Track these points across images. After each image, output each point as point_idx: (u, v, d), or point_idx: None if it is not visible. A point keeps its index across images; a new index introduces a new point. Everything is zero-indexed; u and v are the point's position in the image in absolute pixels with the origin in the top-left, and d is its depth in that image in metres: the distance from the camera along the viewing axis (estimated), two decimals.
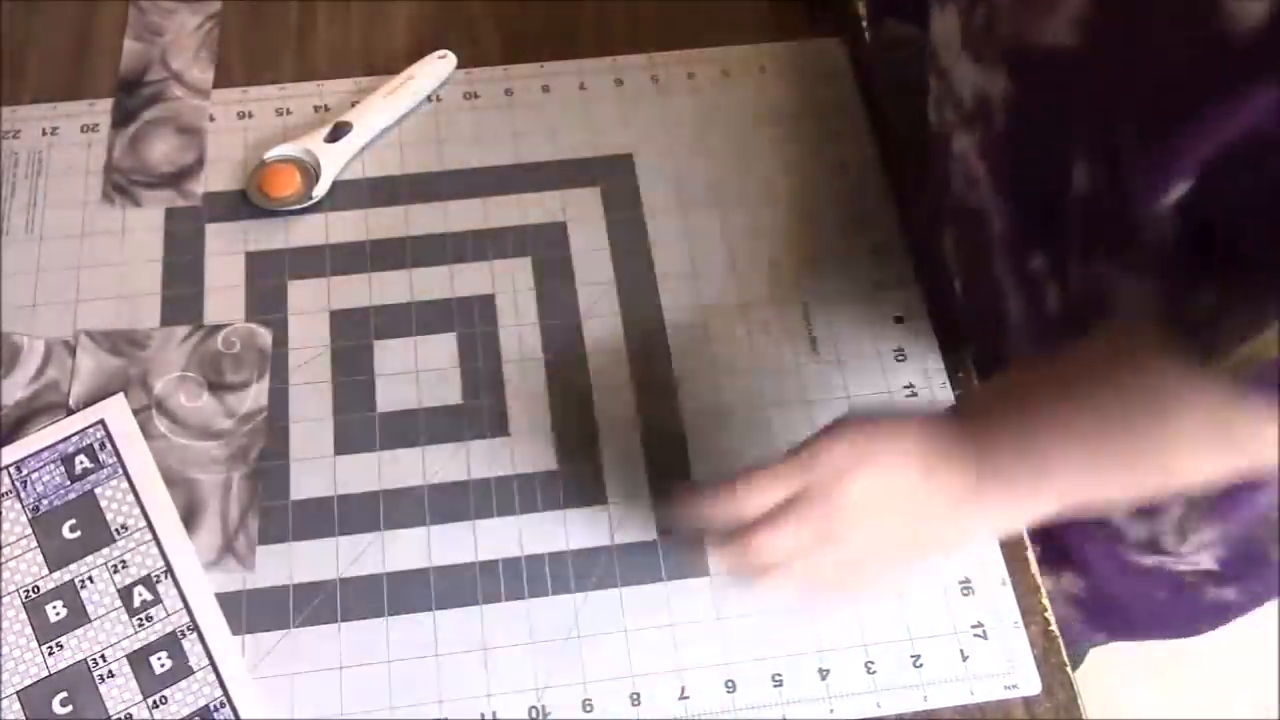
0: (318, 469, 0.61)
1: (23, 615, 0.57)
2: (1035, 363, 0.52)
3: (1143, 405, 0.45)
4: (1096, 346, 0.48)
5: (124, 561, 0.58)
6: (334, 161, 0.70)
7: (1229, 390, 0.42)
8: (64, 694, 0.55)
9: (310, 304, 0.66)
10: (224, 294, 0.66)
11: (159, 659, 0.56)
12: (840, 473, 0.49)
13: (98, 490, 0.60)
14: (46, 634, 0.56)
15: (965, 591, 0.59)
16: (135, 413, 0.62)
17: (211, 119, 0.73)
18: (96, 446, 0.61)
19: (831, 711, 0.56)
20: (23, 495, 0.60)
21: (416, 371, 0.64)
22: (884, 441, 0.51)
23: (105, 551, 0.58)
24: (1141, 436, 0.46)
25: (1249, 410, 0.42)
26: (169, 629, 0.57)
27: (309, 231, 0.69)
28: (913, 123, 0.62)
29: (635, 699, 0.56)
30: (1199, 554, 0.65)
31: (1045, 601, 0.59)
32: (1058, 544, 0.67)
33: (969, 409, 0.55)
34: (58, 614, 0.57)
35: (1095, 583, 0.70)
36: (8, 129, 0.72)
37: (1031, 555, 0.61)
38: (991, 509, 0.50)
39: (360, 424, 0.63)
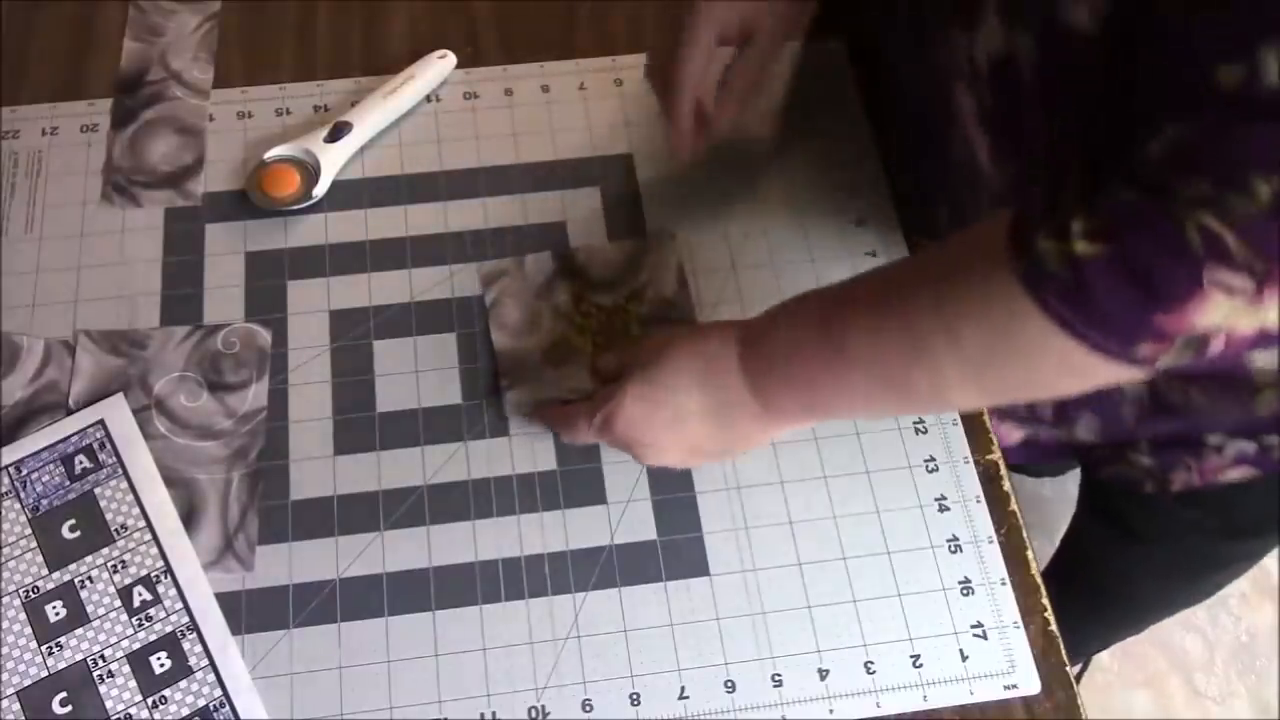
0: (318, 469, 0.61)
1: (23, 615, 0.57)
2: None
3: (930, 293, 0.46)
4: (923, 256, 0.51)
5: (124, 561, 0.58)
6: (334, 161, 0.70)
7: (1017, 298, 0.42)
8: (64, 694, 0.55)
9: (310, 304, 0.66)
10: (224, 294, 0.66)
11: (159, 659, 0.56)
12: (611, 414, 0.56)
13: (97, 490, 0.60)
14: (46, 634, 0.56)
15: (965, 591, 0.59)
16: (135, 413, 0.62)
17: (211, 119, 0.73)
18: (96, 446, 0.61)
19: (831, 711, 0.56)
20: (22, 495, 0.60)
21: (416, 371, 0.64)
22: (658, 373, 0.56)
23: (105, 551, 0.58)
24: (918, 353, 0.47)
25: (1033, 334, 0.42)
26: (169, 629, 0.57)
27: (309, 231, 0.69)
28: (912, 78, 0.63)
29: (635, 699, 0.56)
30: None
31: (1045, 601, 0.59)
32: None
33: (751, 330, 0.55)
34: (57, 614, 0.57)
35: None
36: (8, 129, 0.72)
37: (1031, 556, 0.61)
38: (764, 420, 0.54)
39: (360, 424, 0.63)
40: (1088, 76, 0.48)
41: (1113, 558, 0.86)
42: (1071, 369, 0.43)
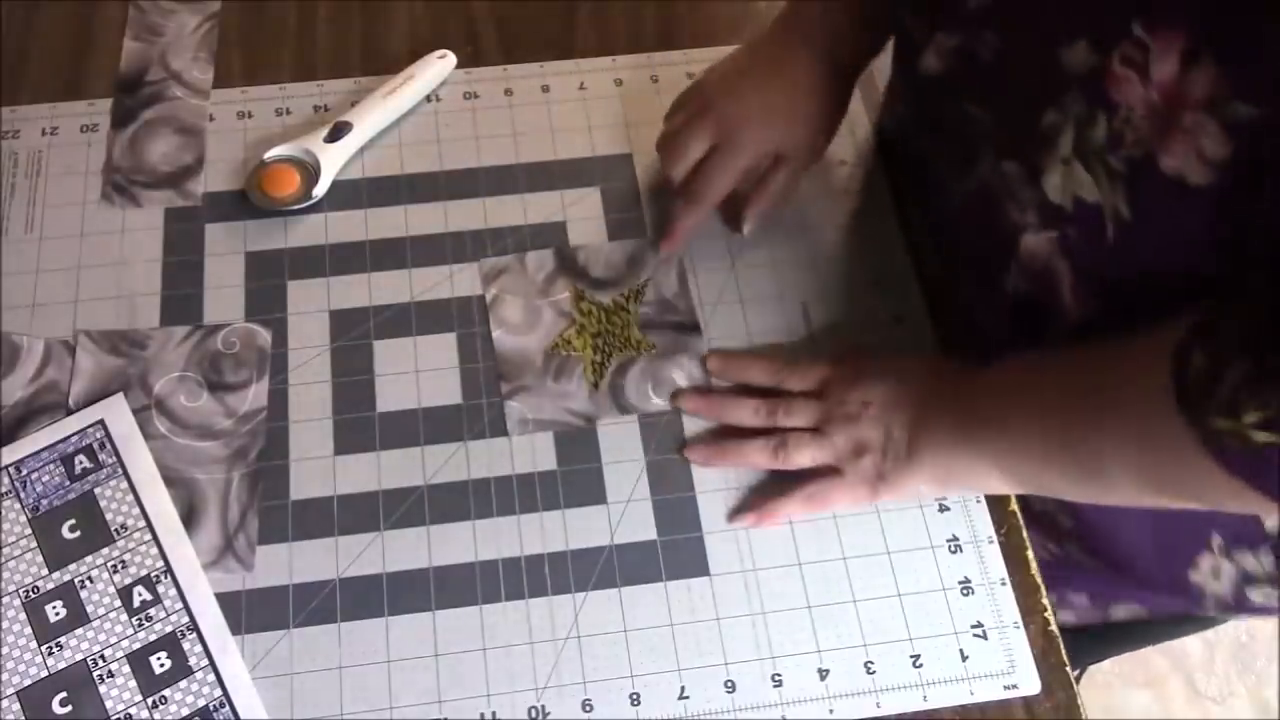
0: (318, 469, 0.61)
1: (23, 615, 0.57)
2: (1054, 352, 0.55)
3: (1114, 420, 0.49)
4: (1107, 354, 0.51)
5: (123, 561, 0.58)
6: (334, 161, 0.70)
7: (1193, 446, 0.44)
8: (64, 694, 0.55)
9: (310, 304, 0.66)
10: (224, 294, 0.66)
11: (159, 659, 0.56)
12: (860, 374, 0.61)
13: (97, 490, 0.60)
14: (46, 634, 0.56)
15: (965, 591, 0.59)
16: (135, 413, 0.62)
17: (211, 119, 0.73)
18: (96, 446, 0.61)
19: (831, 711, 0.56)
20: (22, 495, 0.60)
21: (416, 371, 0.64)
22: (898, 369, 0.61)
23: (105, 551, 0.58)
24: (1089, 453, 0.50)
25: (1203, 472, 0.44)
26: (168, 629, 0.57)
27: (309, 231, 0.69)
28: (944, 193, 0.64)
29: (635, 699, 0.56)
30: None
31: (1045, 601, 0.59)
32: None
33: (979, 372, 0.58)
34: (57, 614, 0.57)
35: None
36: (8, 129, 0.72)
37: (1031, 555, 0.61)
38: (961, 463, 0.57)
39: (360, 424, 0.63)
40: (1189, 233, 0.47)
41: None
42: (1259, 506, 0.45)
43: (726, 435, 0.63)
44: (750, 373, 0.64)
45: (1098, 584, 0.71)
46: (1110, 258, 0.50)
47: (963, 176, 0.60)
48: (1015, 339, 0.59)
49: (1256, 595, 0.63)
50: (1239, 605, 0.64)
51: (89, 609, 0.57)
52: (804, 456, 0.60)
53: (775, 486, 0.61)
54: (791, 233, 0.70)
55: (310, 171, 0.70)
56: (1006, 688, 0.57)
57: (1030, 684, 0.57)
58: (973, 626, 0.58)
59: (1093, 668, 1.34)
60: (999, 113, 0.56)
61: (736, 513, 0.61)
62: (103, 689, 0.55)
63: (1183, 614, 0.72)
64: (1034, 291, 0.57)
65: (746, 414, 0.62)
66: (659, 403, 0.64)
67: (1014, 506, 0.62)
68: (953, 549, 0.60)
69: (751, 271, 0.68)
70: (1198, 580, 0.64)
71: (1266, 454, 0.41)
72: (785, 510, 0.60)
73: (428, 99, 0.74)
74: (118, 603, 0.57)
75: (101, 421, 0.62)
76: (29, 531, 0.59)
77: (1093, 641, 0.95)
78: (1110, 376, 0.50)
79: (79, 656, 0.56)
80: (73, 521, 0.59)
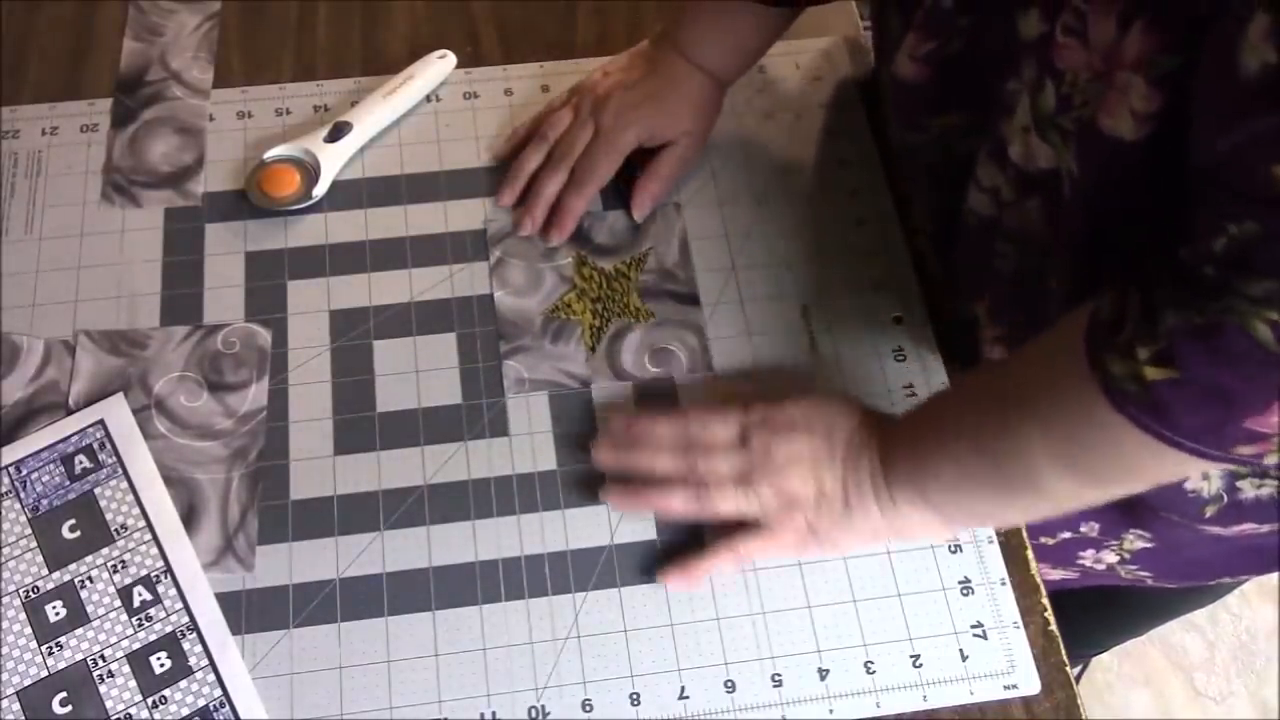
0: (318, 469, 0.61)
1: (23, 615, 0.57)
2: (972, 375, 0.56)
3: (1029, 410, 0.49)
4: (1016, 359, 0.52)
5: (124, 561, 0.58)
6: (334, 161, 0.70)
7: (1103, 407, 0.44)
8: (64, 694, 0.55)
9: (310, 304, 0.66)
10: (224, 294, 0.66)
11: (159, 659, 0.56)
12: (787, 425, 0.58)
13: (97, 490, 0.60)
14: (46, 634, 0.56)
15: (965, 591, 0.59)
16: (135, 413, 0.62)
17: (211, 119, 0.73)
18: (96, 446, 0.61)
19: (831, 711, 0.56)
20: (22, 495, 0.60)
21: (416, 371, 0.64)
22: (825, 416, 0.59)
23: (105, 551, 0.58)
24: (1012, 461, 0.50)
25: (1118, 433, 0.44)
26: (169, 629, 0.57)
27: (309, 231, 0.69)
28: (942, 208, 0.64)
29: (635, 699, 0.56)
30: None
31: (1045, 601, 0.59)
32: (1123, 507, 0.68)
33: (892, 426, 0.58)
34: (57, 614, 0.57)
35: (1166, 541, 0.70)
36: (8, 129, 0.72)
37: (1031, 555, 0.61)
38: (894, 512, 0.57)
39: (360, 424, 0.63)
40: (1129, 185, 0.48)
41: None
42: (1176, 468, 0.45)
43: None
44: (660, 428, 0.60)
45: (1103, 515, 0.70)
46: (1070, 221, 0.51)
47: (955, 169, 0.60)
48: (1013, 327, 0.59)
49: (1246, 486, 0.62)
50: (1232, 503, 0.62)
51: (89, 609, 0.57)
52: (727, 505, 0.58)
53: (693, 544, 0.59)
54: (791, 233, 0.70)
55: (310, 171, 0.70)
56: (1006, 688, 0.57)
57: (1030, 684, 0.57)
58: (973, 626, 0.58)
59: (1093, 668, 1.35)
60: (970, 98, 0.56)
61: (659, 570, 0.59)
62: (103, 689, 0.55)
63: (1190, 587, 0.71)
64: (1023, 272, 0.57)
65: (662, 462, 0.59)
66: (655, 370, 0.64)
67: None
68: (952, 549, 0.60)
69: (751, 271, 0.68)
70: (1192, 487, 0.63)
71: (1157, 392, 0.41)
72: (708, 566, 0.58)
73: (428, 99, 0.74)
74: (118, 603, 0.57)
75: (101, 421, 0.62)
76: (29, 531, 0.59)
77: (1102, 625, 0.95)
78: (1023, 369, 0.51)
79: (79, 656, 0.56)
80: (73, 521, 0.59)
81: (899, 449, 0.56)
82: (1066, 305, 0.55)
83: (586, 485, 0.61)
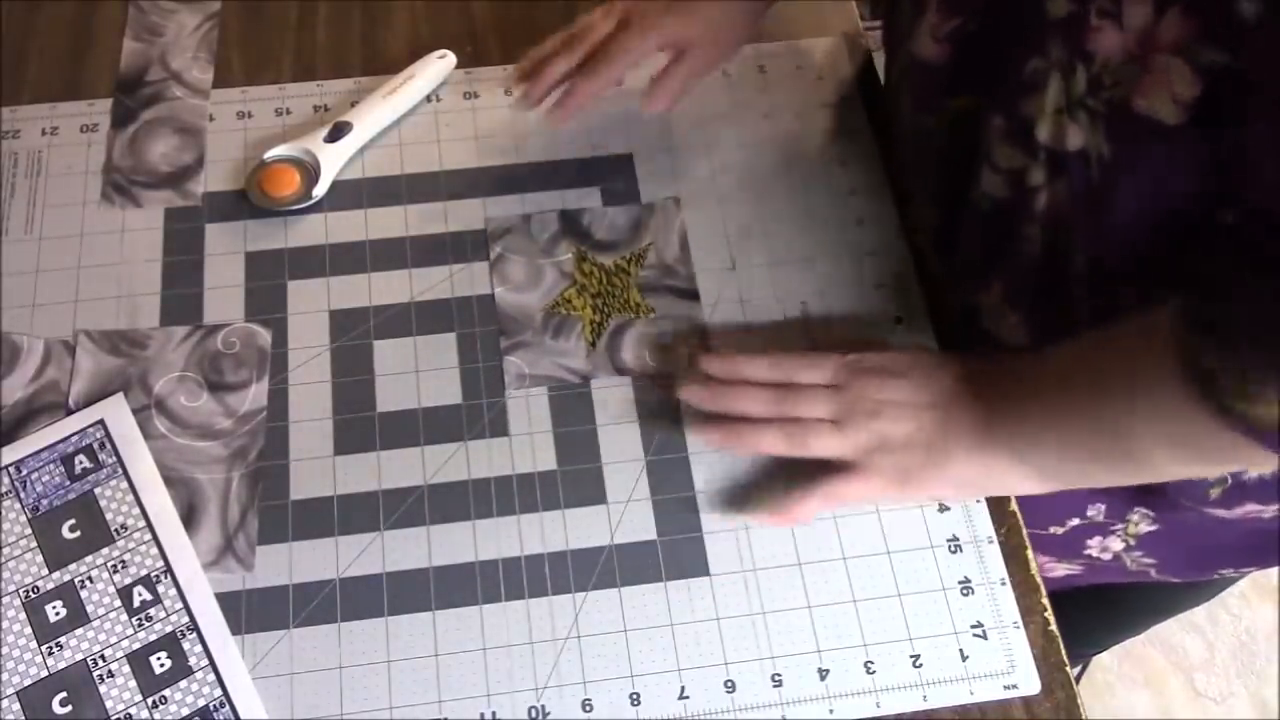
0: (318, 469, 0.61)
1: (23, 615, 0.57)
2: (1062, 345, 0.55)
3: (1126, 402, 0.50)
4: (1116, 340, 0.52)
5: (124, 561, 0.58)
6: (334, 161, 0.70)
7: (1222, 425, 0.45)
8: (64, 694, 0.55)
9: (310, 304, 0.66)
10: (224, 294, 0.66)
11: (159, 659, 0.56)
12: (881, 371, 0.59)
13: (97, 490, 0.60)
14: (46, 634, 0.56)
15: (965, 591, 0.59)
16: (135, 413, 0.62)
17: (211, 119, 0.73)
18: (96, 446, 0.61)
19: (831, 711, 0.56)
20: (22, 495, 0.60)
21: (416, 371, 0.64)
22: (922, 366, 0.60)
23: (105, 551, 0.58)
24: (1118, 436, 0.51)
25: (1238, 442, 0.45)
26: (169, 629, 0.57)
27: (309, 231, 0.69)
28: (953, 193, 0.64)
29: (635, 699, 0.56)
30: None
31: (1045, 601, 0.59)
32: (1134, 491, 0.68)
33: (994, 369, 0.58)
34: (57, 614, 0.57)
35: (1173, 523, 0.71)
36: (8, 129, 0.72)
37: (1031, 555, 0.61)
38: (988, 463, 0.57)
39: (360, 424, 0.63)
40: (1164, 166, 0.48)
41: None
42: None
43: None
44: (754, 368, 0.61)
45: (1111, 496, 0.70)
46: (1099, 203, 0.52)
47: (963, 153, 0.60)
48: (1033, 310, 0.59)
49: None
50: (1236, 483, 0.62)
51: (89, 609, 0.57)
52: (822, 445, 0.58)
53: (783, 485, 0.60)
54: (791, 232, 0.70)
55: (310, 171, 0.70)
56: (1006, 688, 0.57)
57: (1030, 684, 0.57)
58: (973, 626, 0.58)
59: (1093, 668, 1.35)
60: (986, 78, 0.56)
61: (745, 511, 0.60)
62: (103, 689, 0.55)
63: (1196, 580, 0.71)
64: (1049, 254, 0.57)
65: (756, 404, 0.60)
66: (655, 367, 0.65)
67: (1014, 507, 0.62)
68: (953, 549, 0.60)
69: (751, 271, 0.68)
70: None
71: (1263, 419, 0.43)
72: (802, 509, 0.59)
73: (428, 99, 0.74)
74: (118, 603, 0.57)
75: (101, 421, 0.62)
76: (29, 531, 0.59)
77: (1102, 623, 0.95)
78: (1118, 362, 0.51)
79: (79, 656, 0.56)
80: (73, 521, 0.59)
81: (1001, 409, 0.56)
82: (1094, 286, 0.55)
83: (586, 485, 0.61)
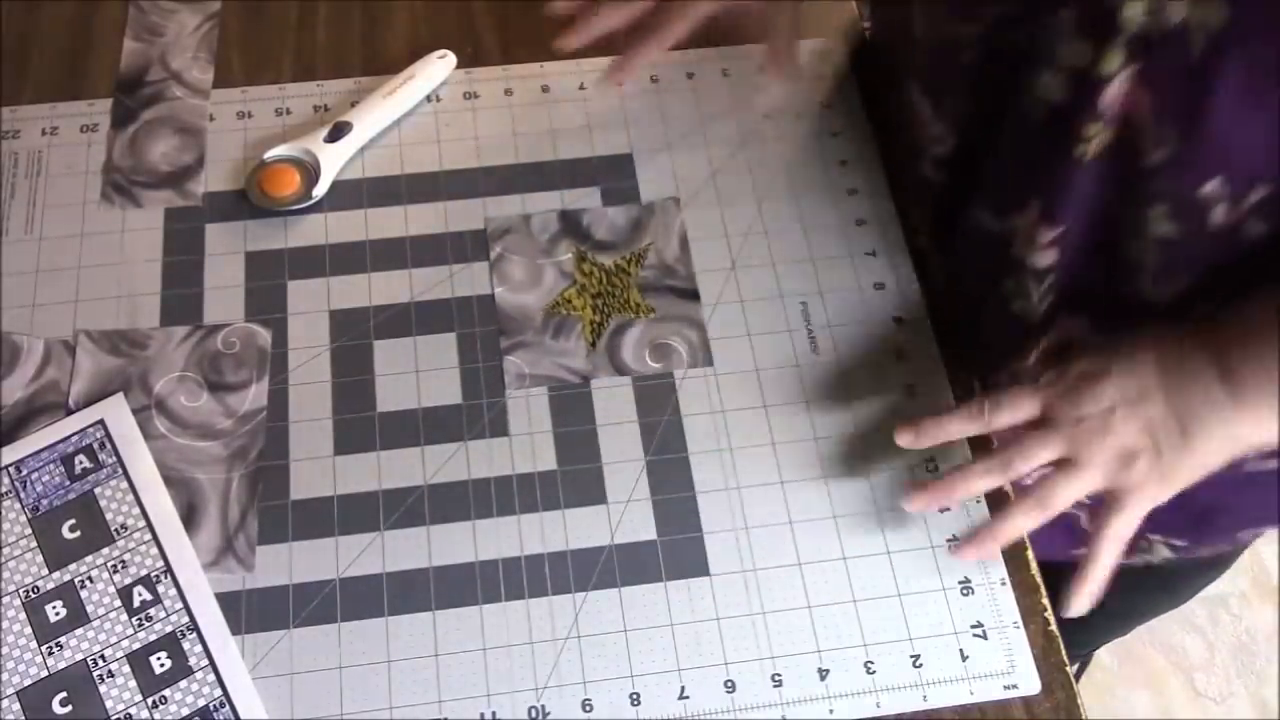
0: (318, 469, 0.61)
1: (23, 615, 0.57)
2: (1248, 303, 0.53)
3: None
4: None
5: (124, 561, 0.58)
6: (334, 161, 0.70)
7: None
8: (64, 694, 0.55)
9: (310, 304, 0.66)
10: (224, 294, 0.66)
11: (159, 659, 0.56)
12: (1084, 380, 0.55)
13: (97, 490, 0.60)
14: (46, 634, 0.56)
15: (965, 591, 0.59)
16: (135, 413, 0.62)
17: (211, 119, 0.73)
18: (96, 446, 0.61)
19: (831, 711, 0.56)
20: (22, 495, 0.60)
21: (416, 371, 0.64)
22: (1118, 358, 0.56)
23: (105, 551, 0.58)
24: None
25: None
26: (169, 629, 0.57)
27: (309, 231, 0.69)
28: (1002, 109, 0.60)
29: (635, 699, 0.56)
30: None
31: (1045, 601, 0.59)
32: None
33: (1183, 340, 0.55)
34: (57, 614, 0.57)
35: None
36: (8, 129, 0.72)
37: (1031, 555, 0.61)
38: (1240, 426, 0.53)
39: (360, 424, 0.63)
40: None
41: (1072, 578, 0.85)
42: None
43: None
44: (949, 430, 0.59)
45: None
46: (1193, 84, 0.48)
47: (1002, 62, 0.57)
48: (1076, 221, 0.57)
49: None
50: None
51: (89, 609, 0.57)
52: (1072, 493, 0.55)
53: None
54: (791, 232, 0.70)
55: (310, 171, 0.70)
56: (1006, 688, 0.57)
57: (1030, 684, 0.57)
58: (973, 626, 0.58)
59: (1093, 668, 1.35)
60: None
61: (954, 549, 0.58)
62: (103, 689, 0.55)
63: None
64: (1110, 161, 0.54)
65: (981, 484, 0.57)
66: (655, 366, 0.65)
67: None
68: (953, 549, 0.60)
69: (751, 271, 0.68)
70: None
71: None
72: (1103, 568, 0.55)
73: (428, 99, 0.74)
74: (118, 603, 0.57)
75: (101, 421, 0.62)
76: (29, 531, 0.59)
77: (1129, 604, 0.93)
78: None
79: (79, 656, 0.56)
80: (73, 521, 0.59)
81: (1233, 367, 0.53)
82: (1171, 184, 0.53)
83: (586, 485, 0.61)
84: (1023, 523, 0.57)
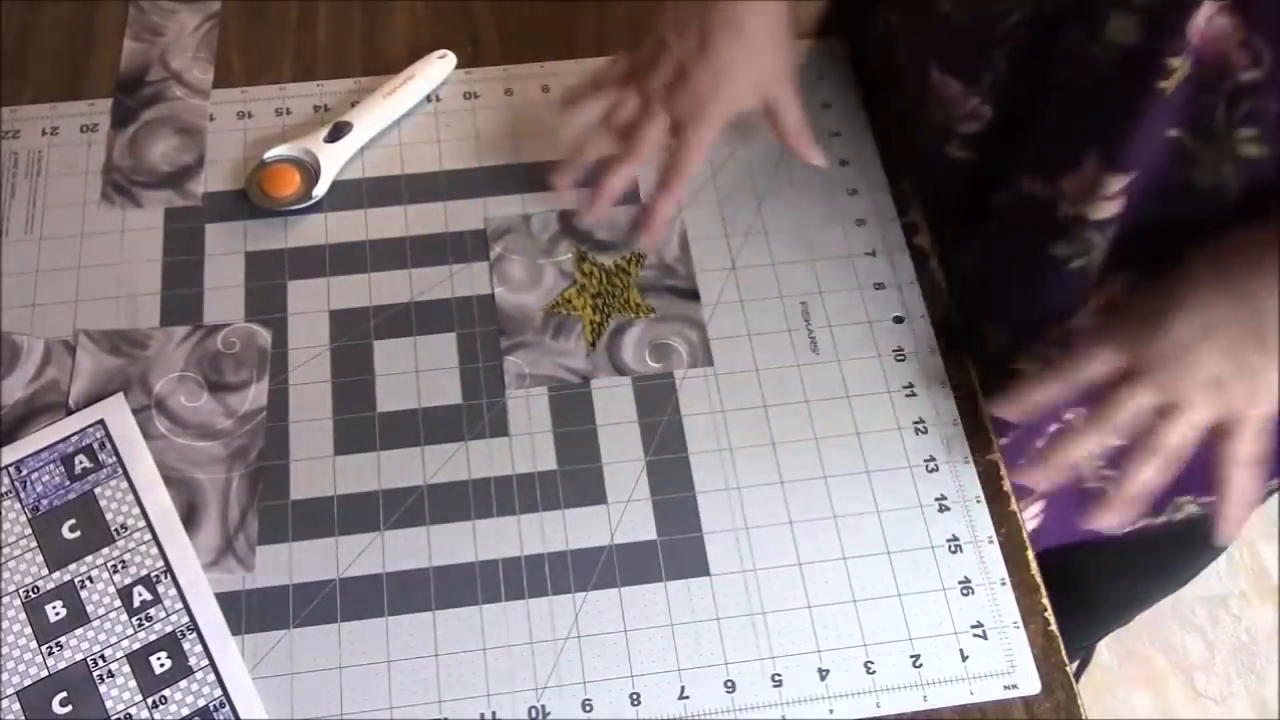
0: (318, 469, 0.61)
1: (23, 615, 0.57)
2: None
3: None
4: None
5: (124, 561, 0.58)
6: (334, 161, 0.70)
7: None
8: (64, 694, 0.55)
9: (310, 304, 0.66)
10: (224, 294, 0.66)
11: (159, 659, 0.56)
12: (1151, 320, 0.55)
13: (97, 490, 0.60)
14: (46, 634, 0.56)
15: (965, 591, 0.59)
16: (135, 413, 0.62)
17: (211, 119, 0.73)
18: (96, 446, 0.61)
19: (831, 711, 0.56)
20: (23, 495, 0.60)
21: (416, 371, 0.64)
22: (1176, 292, 0.55)
23: (105, 551, 0.58)
24: None
25: None
26: (169, 629, 0.57)
27: (309, 231, 0.69)
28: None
29: (635, 699, 0.56)
30: None
31: (1045, 601, 0.59)
32: None
33: (1239, 245, 0.55)
34: (57, 614, 0.57)
35: None
36: (8, 129, 0.72)
37: (1031, 555, 0.61)
38: None
39: (360, 424, 0.63)
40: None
41: (1074, 563, 0.85)
42: None
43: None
44: (1047, 394, 0.58)
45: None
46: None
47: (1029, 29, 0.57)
48: (1143, 173, 0.56)
49: None
50: None
51: (89, 609, 0.57)
52: (1181, 435, 0.54)
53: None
54: (791, 232, 0.70)
55: (310, 171, 0.70)
56: (1006, 688, 0.57)
57: (1030, 684, 0.57)
58: (973, 626, 0.58)
59: (1093, 668, 1.35)
60: None
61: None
62: (103, 689, 0.55)
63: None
64: (1190, 93, 0.53)
65: (1087, 443, 0.56)
66: (655, 366, 0.65)
67: (1014, 507, 0.62)
68: (953, 549, 0.60)
69: (751, 271, 0.68)
70: None
71: None
72: (1240, 505, 0.54)
73: (428, 99, 0.74)
74: (118, 603, 0.57)
75: (101, 421, 0.62)
76: (29, 531, 0.59)
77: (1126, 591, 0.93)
78: None
79: (79, 656, 0.56)
80: (73, 521, 0.59)
81: None
82: (1264, 95, 0.52)
83: (587, 485, 0.61)
84: (1149, 475, 0.55)
